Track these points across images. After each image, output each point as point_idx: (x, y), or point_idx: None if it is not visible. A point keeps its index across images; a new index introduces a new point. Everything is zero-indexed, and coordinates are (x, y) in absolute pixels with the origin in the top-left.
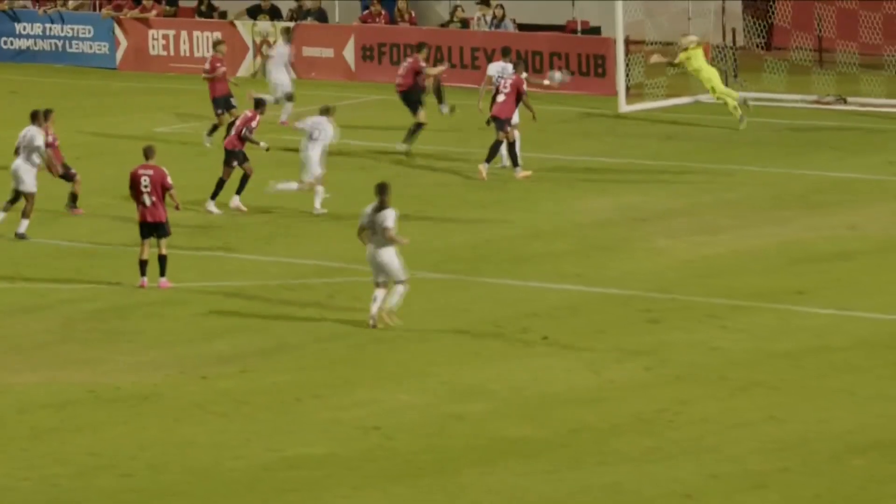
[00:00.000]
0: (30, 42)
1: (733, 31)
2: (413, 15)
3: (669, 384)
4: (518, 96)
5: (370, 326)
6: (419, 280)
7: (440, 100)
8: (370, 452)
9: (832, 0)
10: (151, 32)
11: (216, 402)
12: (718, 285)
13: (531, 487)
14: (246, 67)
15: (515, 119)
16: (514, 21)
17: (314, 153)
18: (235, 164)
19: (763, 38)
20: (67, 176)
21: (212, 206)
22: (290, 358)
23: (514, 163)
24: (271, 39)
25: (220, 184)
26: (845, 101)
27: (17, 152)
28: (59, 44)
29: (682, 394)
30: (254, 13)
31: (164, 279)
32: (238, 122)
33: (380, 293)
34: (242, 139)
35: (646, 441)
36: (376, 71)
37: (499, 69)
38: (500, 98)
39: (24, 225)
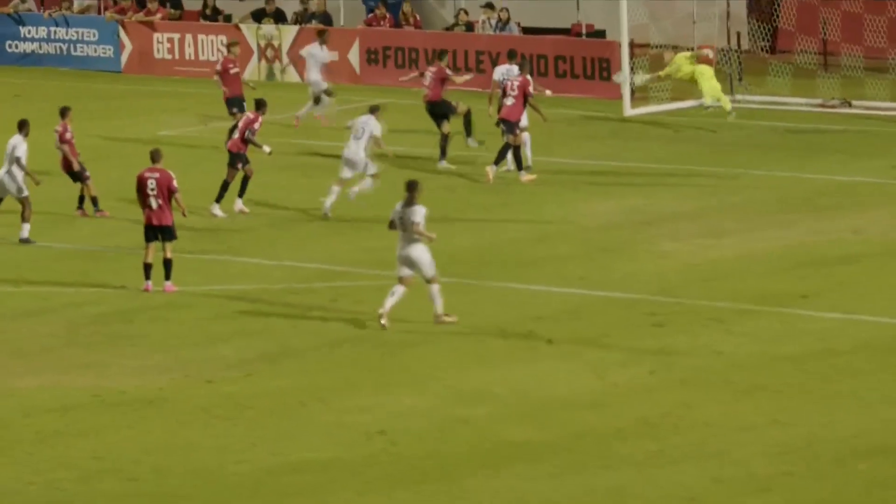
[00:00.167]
0: (35, 45)
1: (738, 34)
2: (418, 18)
3: (674, 388)
4: (525, 97)
5: (379, 320)
6: (424, 284)
7: (468, 132)
8: (374, 457)
9: (837, 3)
10: (156, 36)
11: (220, 405)
12: (723, 289)
13: (535, 491)
14: (251, 71)
15: (525, 122)
16: (518, 24)
17: (359, 151)
18: (240, 166)
19: (768, 41)
20: (81, 176)
21: (216, 210)
22: (294, 362)
23: (519, 166)
24: (275, 43)
25: (225, 186)
26: (850, 105)
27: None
28: (64, 47)
29: (687, 397)
30: (258, 17)
31: (168, 283)
32: (241, 125)
33: (399, 289)
34: (246, 141)
35: (650, 445)
36: (381, 74)
37: (503, 72)
38: (508, 101)
39: (26, 230)
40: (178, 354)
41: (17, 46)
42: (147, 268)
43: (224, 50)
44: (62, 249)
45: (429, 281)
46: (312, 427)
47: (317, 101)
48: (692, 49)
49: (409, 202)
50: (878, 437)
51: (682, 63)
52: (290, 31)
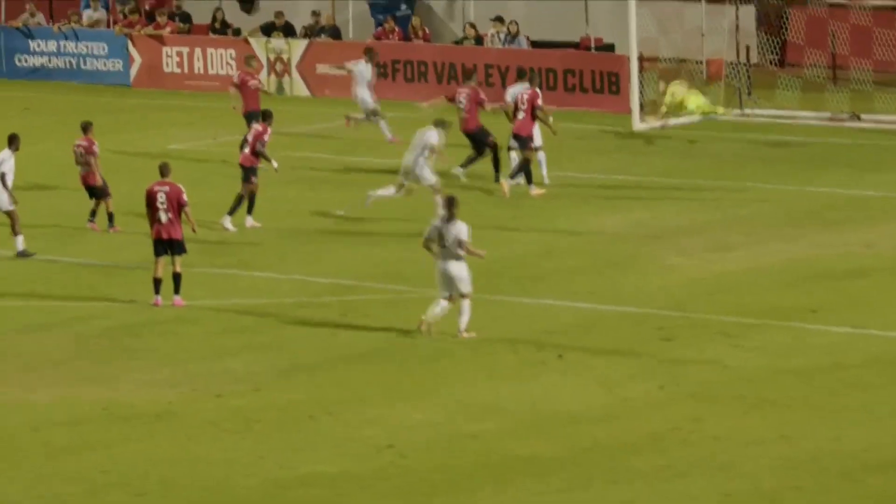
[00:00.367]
0: (44, 59)
1: (747, 48)
2: (427, 32)
3: (682, 402)
4: (533, 110)
5: (422, 329)
6: (434, 298)
7: (497, 169)
8: (383, 470)
9: (846, 17)
10: (165, 50)
11: (229, 419)
12: (731, 303)
13: None
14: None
15: (539, 141)
16: (527, 38)
17: (415, 160)
18: (254, 179)
19: (777, 54)
20: (103, 192)
21: (227, 223)
22: (303, 376)
23: (529, 180)
24: (285, 57)
25: (239, 200)
26: (859, 119)
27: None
28: (74, 61)
29: (695, 412)
30: (268, 30)
31: (178, 297)
32: (251, 138)
33: (444, 303)
34: (257, 154)
35: (659, 459)
36: (390, 88)
37: (515, 92)
38: (520, 116)
39: (20, 242)
40: (186, 368)
41: (26, 60)
42: (157, 282)
43: (232, 63)
44: (71, 264)
45: (463, 296)
46: (321, 440)
47: (375, 113)
48: (699, 62)
49: (450, 218)
50: (888, 451)
51: (675, 90)
52: (299, 45)
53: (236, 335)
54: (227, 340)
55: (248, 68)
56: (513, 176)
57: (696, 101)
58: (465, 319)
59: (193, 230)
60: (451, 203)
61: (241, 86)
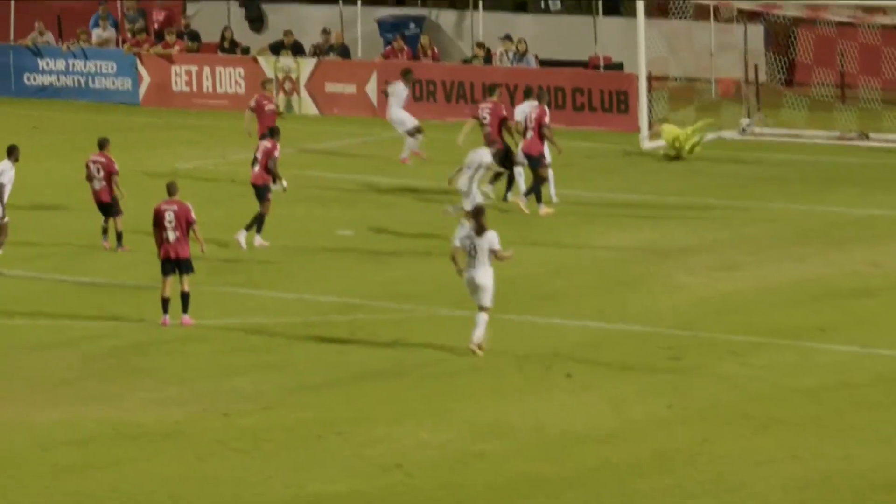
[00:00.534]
0: (53, 78)
1: (756, 66)
2: (436, 51)
3: (691, 422)
4: (540, 128)
5: (476, 351)
6: (441, 317)
7: (509, 187)
8: (391, 489)
9: (854, 36)
10: (174, 68)
11: (237, 438)
12: (739, 322)
13: None
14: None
15: (548, 158)
16: (536, 57)
17: (472, 182)
18: (270, 195)
19: (785, 73)
20: (115, 210)
21: (241, 238)
22: (311, 395)
23: (538, 199)
24: (293, 75)
25: (260, 218)
26: (868, 138)
27: None
28: (82, 80)
29: (704, 431)
30: (276, 49)
31: (186, 316)
32: (260, 156)
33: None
34: (269, 171)
35: (667, 479)
36: None
37: (525, 110)
38: (528, 135)
39: None
40: (194, 387)
41: (35, 79)
42: (165, 302)
43: (241, 82)
44: (79, 283)
45: (482, 308)
46: (329, 459)
47: (418, 131)
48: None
49: (480, 229)
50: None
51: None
52: (308, 64)
53: (244, 354)
54: (235, 359)
55: (265, 92)
56: (527, 194)
57: (691, 141)
58: (478, 333)
59: (202, 250)
60: (478, 213)
61: (258, 109)
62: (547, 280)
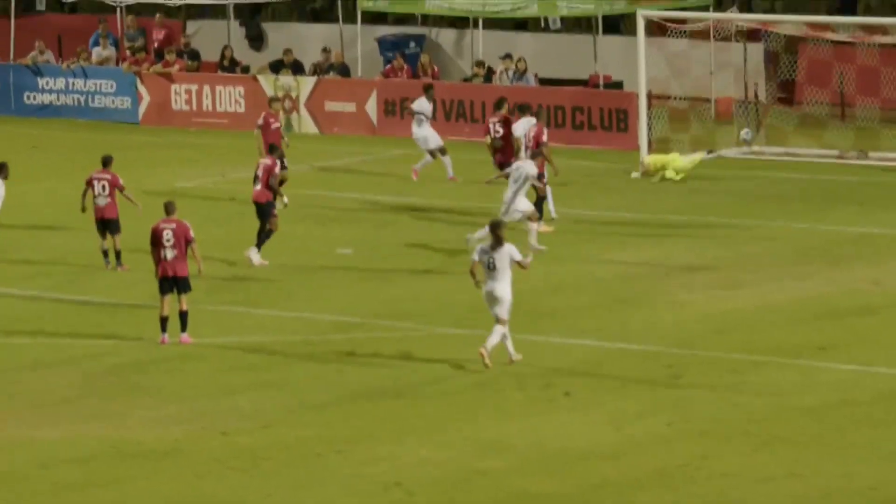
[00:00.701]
0: (52, 97)
1: (755, 85)
2: (436, 69)
3: (691, 439)
4: (538, 146)
5: (514, 361)
6: (441, 336)
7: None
8: None
9: (853, 56)
10: (174, 87)
11: (237, 457)
12: (740, 340)
13: None
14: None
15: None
16: (536, 75)
17: (516, 195)
18: (276, 211)
19: (785, 93)
20: (117, 227)
21: (253, 255)
22: (310, 413)
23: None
24: (293, 94)
25: (269, 234)
26: (867, 156)
27: None
28: (82, 99)
29: (704, 449)
30: (276, 68)
31: (185, 335)
32: (261, 173)
33: (499, 328)
34: (271, 188)
35: (668, 496)
36: (398, 126)
37: (524, 126)
38: (526, 152)
39: None
40: (193, 406)
41: (34, 98)
42: (163, 321)
43: (241, 100)
44: (79, 301)
45: (498, 320)
46: (329, 478)
47: (442, 152)
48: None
49: (498, 243)
50: None
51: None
52: (307, 83)
53: (244, 372)
54: (235, 378)
55: (272, 110)
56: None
57: (675, 164)
58: (492, 341)
59: (199, 270)
60: (496, 227)
61: (264, 127)
62: (547, 298)
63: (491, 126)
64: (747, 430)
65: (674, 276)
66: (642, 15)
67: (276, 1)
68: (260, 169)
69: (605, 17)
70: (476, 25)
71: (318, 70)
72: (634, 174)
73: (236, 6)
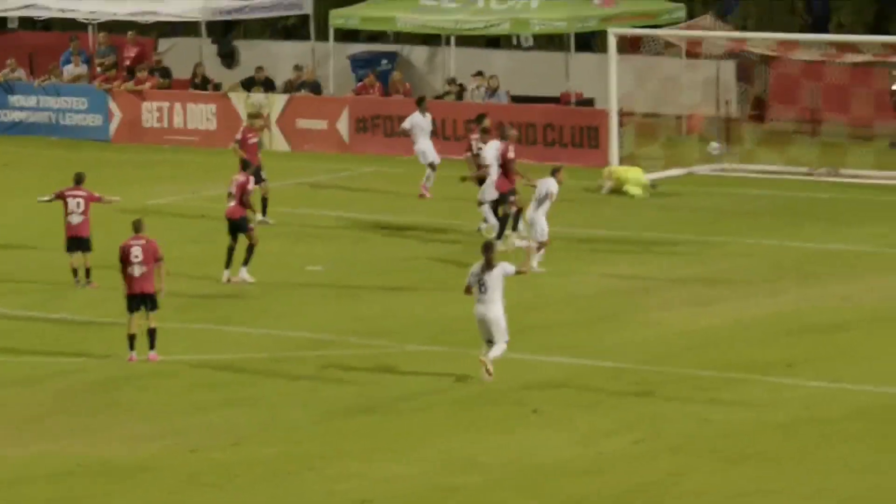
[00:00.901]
0: (24, 114)
1: (727, 102)
2: (408, 87)
3: (662, 456)
4: (505, 163)
5: (488, 373)
6: (413, 353)
7: (515, 226)
8: None
9: (824, 73)
10: (145, 105)
11: (207, 474)
12: (712, 357)
13: None
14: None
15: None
16: (508, 92)
17: (538, 215)
18: (252, 225)
19: (756, 109)
20: (89, 245)
21: (244, 275)
22: (282, 430)
23: (501, 234)
24: (265, 111)
25: (251, 250)
26: (838, 173)
27: None
28: (54, 116)
29: (676, 466)
30: (248, 85)
31: (153, 352)
32: (235, 190)
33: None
34: (245, 205)
35: None
36: (370, 143)
37: (494, 152)
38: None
39: None
40: (164, 423)
41: (6, 115)
42: (131, 339)
43: (212, 118)
44: (50, 319)
45: (500, 342)
46: (300, 495)
47: (432, 167)
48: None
49: (489, 265)
50: None
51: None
52: (279, 100)
53: (215, 389)
54: (207, 395)
55: (251, 125)
56: (498, 236)
57: (635, 177)
58: (495, 353)
59: (161, 290)
60: (488, 248)
61: (242, 141)
62: (520, 315)
63: (473, 142)
64: (719, 447)
65: (646, 293)
66: (614, 32)
67: (248, 19)
68: (233, 185)
69: (577, 35)
70: (448, 43)
71: (289, 87)
72: (603, 189)
73: (208, 24)
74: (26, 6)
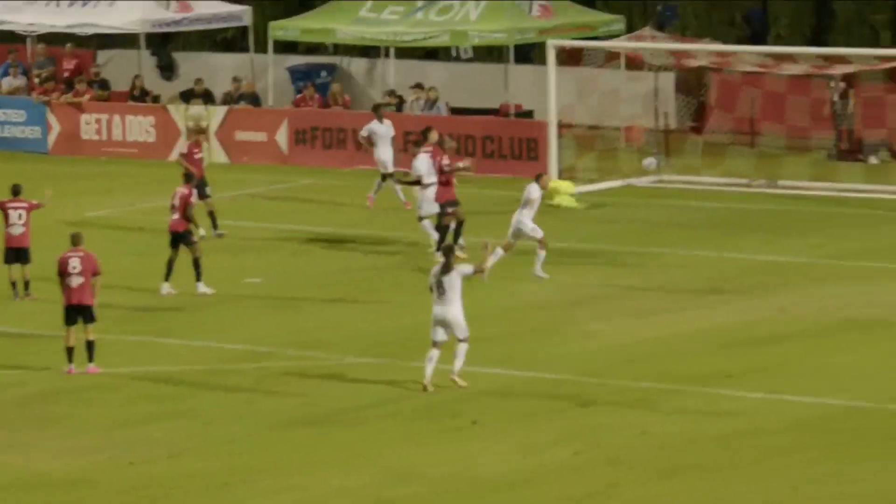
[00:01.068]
0: None
1: (665, 114)
2: (347, 98)
3: (600, 468)
4: (441, 172)
5: (424, 390)
6: (350, 365)
7: (456, 239)
8: None
9: (762, 84)
10: (84, 117)
11: (146, 487)
12: (649, 369)
13: None
14: (178, 152)
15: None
16: (447, 104)
17: (526, 219)
18: (195, 239)
19: (695, 120)
20: (27, 257)
21: (203, 288)
22: (219, 442)
23: (439, 246)
24: (203, 123)
25: (197, 263)
26: (776, 185)
27: None
28: None
29: (613, 477)
30: (187, 97)
31: (92, 365)
32: (178, 203)
33: (435, 353)
34: (188, 219)
35: None
36: (309, 155)
37: (426, 164)
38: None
39: None
40: (102, 436)
41: None
42: (69, 351)
43: (151, 130)
44: None
45: (461, 340)
46: None
47: (384, 178)
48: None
49: (447, 267)
50: None
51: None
52: (218, 112)
53: (154, 402)
54: (144, 407)
55: (197, 140)
56: (437, 248)
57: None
58: (459, 363)
59: (94, 304)
60: (448, 251)
61: (188, 156)
62: None
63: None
64: (656, 459)
65: (583, 305)
66: (553, 44)
67: (187, 31)
68: (176, 198)
69: (516, 47)
70: (387, 55)
71: (228, 99)
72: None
73: (147, 36)
74: None
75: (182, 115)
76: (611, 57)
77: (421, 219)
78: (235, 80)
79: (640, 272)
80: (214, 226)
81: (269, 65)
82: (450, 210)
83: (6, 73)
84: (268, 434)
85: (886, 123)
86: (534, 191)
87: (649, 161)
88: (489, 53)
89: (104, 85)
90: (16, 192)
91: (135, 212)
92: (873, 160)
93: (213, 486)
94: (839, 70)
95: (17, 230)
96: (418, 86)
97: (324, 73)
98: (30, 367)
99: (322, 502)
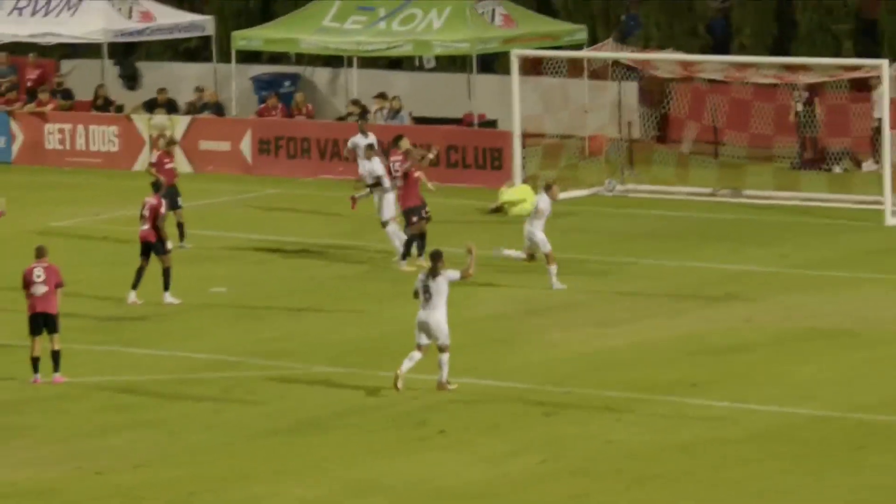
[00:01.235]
0: None
1: (629, 124)
2: (310, 108)
3: (565, 478)
4: (406, 177)
5: (395, 383)
6: (316, 374)
7: (421, 252)
8: None
9: (727, 93)
10: (47, 127)
11: (112, 497)
12: (614, 378)
13: None
14: (142, 161)
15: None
16: (410, 114)
17: (536, 229)
18: (168, 248)
19: (658, 130)
20: None
21: (169, 298)
22: (184, 452)
23: (404, 255)
24: (167, 133)
25: (167, 273)
26: (741, 194)
27: None
28: None
29: (578, 487)
30: (150, 107)
31: (57, 374)
32: (147, 213)
33: (417, 354)
34: (158, 229)
35: None
36: (273, 164)
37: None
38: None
39: None
40: (68, 446)
41: None
42: (35, 361)
43: (115, 140)
44: None
45: (441, 349)
46: None
47: (371, 187)
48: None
49: (435, 272)
50: None
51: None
52: (182, 122)
53: (119, 412)
54: (109, 417)
55: (166, 149)
56: (419, 254)
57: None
58: (445, 372)
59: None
60: (435, 257)
61: (157, 165)
62: None
63: (392, 164)
64: (621, 468)
65: (548, 315)
66: (516, 54)
67: (150, 40)
68: (146, 208)
69: (479, 56)
70: (350, 64)
71: (192, 109)
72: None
73: (110, 45)
74: None
75: (146, 124)
76: (574, 67)
77: (385, 224)
78: (198, 89)
79: (605, 281)
80: (181, 237)
81: (233, 74)
82: (414, 219)
83: None
84: (234, 444)
85: (850, 132)
86: (543, 201)
87: (610, 183)
88: (452, 63)
89: (67, 94)
90: None
91: (99, 221)
92: (837, 169)
93: (180, 495)
94: (802, 79)
95: None
96: (381, 95)
97: (287, 83)
98: None
99: None
